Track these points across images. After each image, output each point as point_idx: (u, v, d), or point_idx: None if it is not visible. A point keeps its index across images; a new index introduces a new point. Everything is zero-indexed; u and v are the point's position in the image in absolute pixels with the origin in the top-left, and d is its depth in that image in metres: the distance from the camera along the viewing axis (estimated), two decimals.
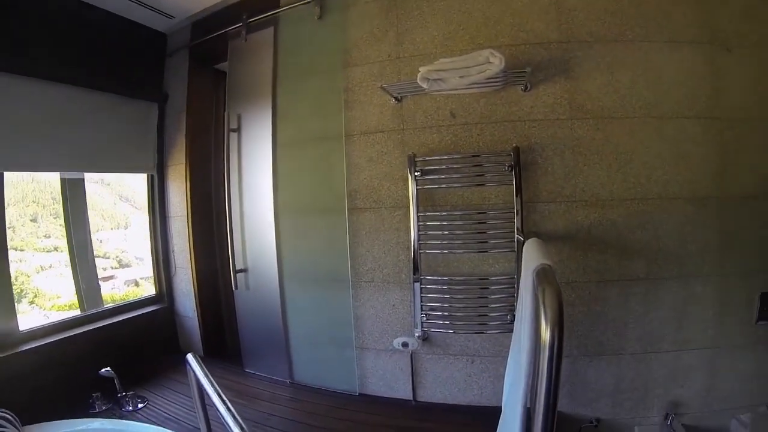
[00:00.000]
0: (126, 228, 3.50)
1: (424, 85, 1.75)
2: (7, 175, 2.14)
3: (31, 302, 2.70)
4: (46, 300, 2.77)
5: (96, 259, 2.73)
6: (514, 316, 1.81)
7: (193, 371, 1.25)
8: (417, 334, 2.03)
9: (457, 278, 1.99)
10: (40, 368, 2.05)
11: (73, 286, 2.57)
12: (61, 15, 2.26)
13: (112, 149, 2.60)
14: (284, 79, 2.33)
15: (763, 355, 1.85)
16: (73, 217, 2.57)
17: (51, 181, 2.70)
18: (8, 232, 2.13)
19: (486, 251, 1.94)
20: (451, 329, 1.99)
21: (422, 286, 2.00)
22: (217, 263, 2.95)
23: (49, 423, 1.80)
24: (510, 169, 1.83)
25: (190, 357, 1.30)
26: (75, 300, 2.60)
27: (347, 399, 2.21)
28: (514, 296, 1.87)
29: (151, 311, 2.78)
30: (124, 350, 2.48)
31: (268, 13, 2.31)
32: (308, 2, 2.21)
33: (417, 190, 1.96)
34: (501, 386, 1.51)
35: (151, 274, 2.97)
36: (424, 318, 2.00)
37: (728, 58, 1.79)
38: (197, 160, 2.81)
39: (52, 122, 2.26)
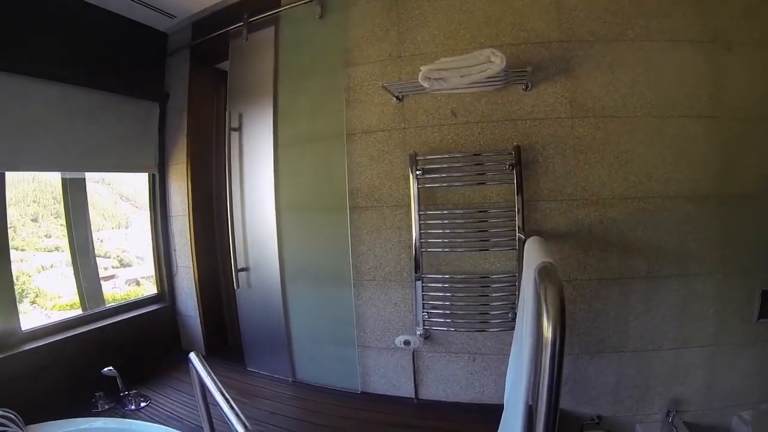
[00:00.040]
0: (127, 227, 3.50)
1: (426, 85, 1.75)
2: (8, 174, 2.14)
3: (33, 302, 2.70)
4: (48, 300, 2.77)
5: (97, 259, 2.73)
6: (515, 314, 1.82)
7: (196, 370, 1.26)
8: (419, 332, 2.03)
9: (459, 276, 1.99)
10: (43, 368, 2.05)
11: (75, 286, 2.57)
12: (62, 14, 2.26)
13: (113, 149, 2.60)
14: (285, 78, 2.34)
15: (764, 352, 1.85)
16: (75, 217, 2.58)
17: (52, 180, 2.71)
18: (9, 232, 2.13)
19: (487, 249, 1.95)
20: (453, 327, 2.00)
21: (424, 284, 2.00)
22: (218, 262, 2.96)
23: (51, 422, 1.80)
24: (511, 167, 1.84)
25: (192, 356, 1.30)
26: (76, 299, 2.60)
27: (349, 397, 2.21)
28: (515, 294, 1.87)
29: (152, 310, 2.79)
30: (127, 349, 2.49)
31: (269, 13, 2.31)
32: (309, 1, 2.21)
33: (418, 188, 1.97)
34: (503, 384, 1.52)
35: (153, 274, 2.98)
36: (426, 316, 2.01)
37: (729, 57, 1.79)
38: (198, 160, 2.81)
39: (54, 122, 2.26)
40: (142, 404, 2.14)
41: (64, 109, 2.30)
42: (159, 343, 2.78)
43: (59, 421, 1.82)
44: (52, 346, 2.13)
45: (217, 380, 1.18)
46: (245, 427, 0.99)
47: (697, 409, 1.88)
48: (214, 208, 2.94)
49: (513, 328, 1.71)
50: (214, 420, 1.31)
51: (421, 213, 1.98)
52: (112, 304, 2.70)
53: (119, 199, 3.52)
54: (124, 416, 2.03)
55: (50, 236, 2.82)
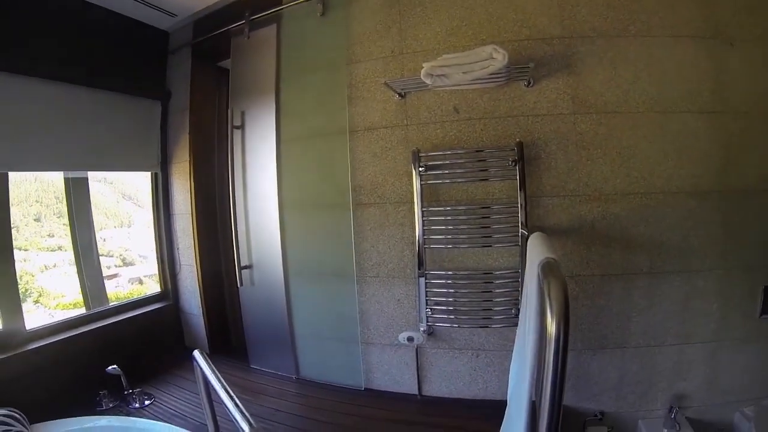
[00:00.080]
0: (129, 226, 3.51)
1: (428, 81, 1.75)
2: (11, 175, 2.14)
3: (36, 301, 2.71)
4: (51, 299, 2.78)
5: (100, 258, 2.74)
6: (518, 310, 1.82)
7: (200, 368, 1.26)
8: (422, 329, 2.04)
9: (462, 273, 2.00)
10: (47, 367, 2.06)
11: (78, 285, 2.58)
12: (62, 14, 2.26)
13: (115, 148, 2.60)
14: (287, 75, 2.34)
15: (767, 348, 1.85)
16: (78, 216, 2.58)
17: (54, 180, 2.71)
18: (12, 232, 2.14)
19: (490, 246, 1.95)
20: (456, 323, 2.00)
21: (427, 280, 2.01)
22: (221, 260, 2.96)
23: (56, 421, 1.81)
24: (514, 163, 1.84)
25: (197, 353, 1.30)
26: (80, 299, 2.61)
27: (353, 394, 2.22)
28: (518, 290, 1.88)
29: (156, 309, 2.79)
30: (130, 348, 2.50)
31: (271, 10, 2.31)
32: None
33: (421, 185, 1.97)
34: (506, 380, 1.52)
35: (156, 272, 2.98)
36: (429, 312, 2.01)
37: (731, 52, 1.79)
38: (201, 158, 2.82)
39: (56, 121, 2.27)
40: (146, 402, 2.14)
41: (65, 108, 2.30)
42: (162, 342, 2.79)
43: (63, 419, 1.84)
44: (56, 345, 2.14)
45: (221, 378, 1.18)
46: (250, 424, 0.99)
47: (700, 404, 1.88)
48: (217, 206, 2.94)
49: (516, 324, 1.71)
50: (218, 418, 1.32)
51: (424, 209, 1.98)
52: (116, 302, 2.71)
53: (121, 197, 3.53)
54: (128, 414, 2.04)
55: (53, 236, 2.83)
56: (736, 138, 1.80)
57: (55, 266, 2.85)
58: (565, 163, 1.86)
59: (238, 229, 2.51)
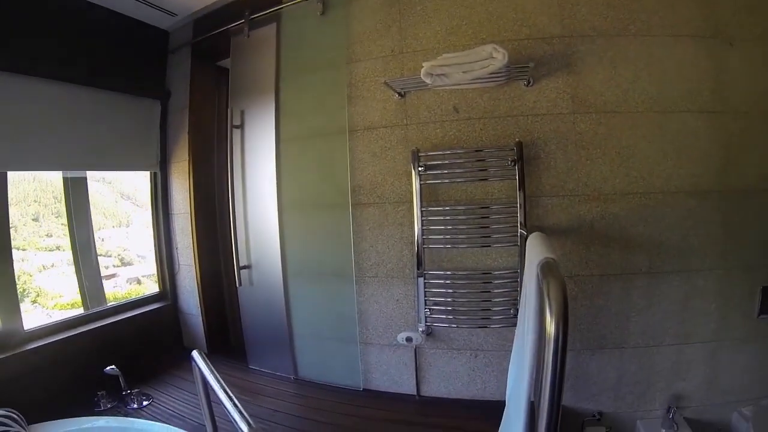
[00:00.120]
0: (128, 226, 3.50)
1: (428, 81, 1.75)
2: (9, 174, 2.14)
3: (34, 301, 2.70)
4: (49, 299, 2.78)
5: (98, 258, 2.73)
6: (517, 310, 1.82)
7: (199, 368, 1.26)
8: (421, 329, 2.03)
9: (461, 273, 2.00)
10: (45, 367, 2.05)
11: (76, 285, 2.57)
12: (62, 13, 2.26)
13: (115, 147, 2.60)
14: (287, 75, 2.33)
15: (765, 348, 1.85)
16: (76, 216, 2.58)
17: (53, 180, 2.71)
18: (10, 232, 2.13)
19: (489, 246, 1.95)
20: (455, 324, 2.00)
21: (426, 280, 2.00)
22: (220, 260, 2.96)
23: (54, 421, 1.81)
24: (513, 163, 1.83)
25: (195, 354, 1.30)
26: (77, 299, 2.61)
27: (351, 394, 2.22)
28: (517, 290, 1.87)
29: (154, 309, 2.79)
30: (129, 348, 2.49)
31: (271, 10, 2.30)
32: None
33: (420, 185, 1.97)
34: (505, 380, 1.52)
35: (154, 272, 2.98)
36: (428, 312, 2.01)
37: (731, 51, 1.79)
38: (200, 157, 2.81)
39: (55, 121, 2.26)
40: (145, 403, 2.14)
41: (65, 108, 2.30)
42: (161, 342, 2.78)
43: (61, 420, 1.83)
44: (55, 345, 2.13)
45: (220, 378, 1.18)
46: (249, 425, 0.99)
47: (698, 404, 1.88)
48: (216, 205, 2.94)
49: (515, 325, 1.71)
50: (216, 418, 1.31)
51: (423, 209, 1.98)
52: (114, 302, 2.70)
53: (120, 197, 3.52)
54: (126, 415, 2.03)
55: (51, 235, 2.82)
56: (736, 138, 1.80)
57: (53, 266, 2.84)
58: (565, 162, 1.86)
59: (237, 229, 2.50)
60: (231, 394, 1.09)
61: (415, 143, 2.02)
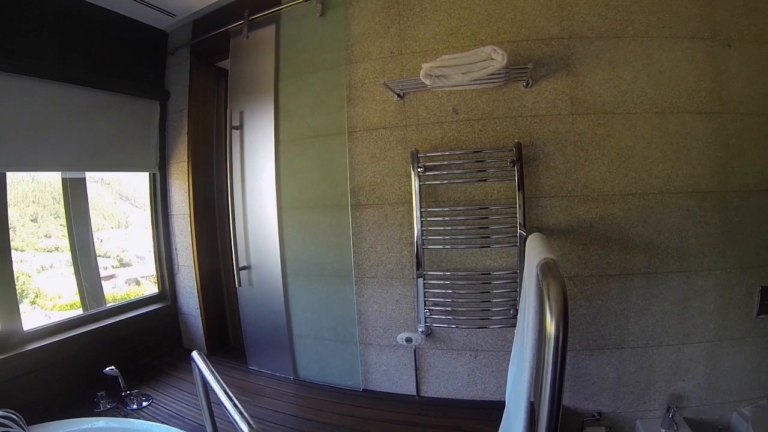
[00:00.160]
0: (126, 227, 3.50)
1: (427, 82, 1.75)
2: (7, 175, 2.14)
3: (33, 302, 2.70)
4: (48, 300, 2.77)
5: (97, 259, 2.73)
6: (516, 310, 1.82)
7: (199, 368, 1.25)
8: (420, 330, 2.04)
9: (460, 273, 2.00)
10: (45, 368, 2.06)
11: (75, 286, 2.57)
12: (62, 14, 2.26)
13: (114, 148, 2.60)
14: (286, 76, 2.34)
15: (764, 348, 1.86)
16: (75, 217, 2.57)
17: (51, 180, 2.70)
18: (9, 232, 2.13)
19: (488, 246, 1.95)
20: (455, 324, 2.00)
21: (425, 281, 2.00)
22: (220, 261, 2.96)
23: (53, 422, 1.81)
24: (512, 164, 1.84)
25: (195, 354, 1.30)
26: (76, 299, 2.61)
27: (351, 395, 2.22)
28: (516, 291, 1.88)
29: (154, 310, 2.79)
30: (128, 349, 2.50)
31: (270, 11, 2.31)
32: None
33: (420, 186, 1.97)
34: (504, 381, 1.52)
35: (153, 273, 2.98)
36: (428, 313, 2.01)
37: (729, 52, 1.79)
38: (199, 158, 2.81)
39: (54, 121, 2.26)
40: (144, 404, 2.14)
41: (64, 108, 2.30)
42: (160, 343, 2.78)
43: (61, 421, 1.83)
44: (54, 346, 2.14)
45: (220, 379, 1.18)
46: (249, 425, 0.98)
47: (698, 404, 1.89)
48: (216, 206, 2.94)
49: (514, 325, 1.71)
50: (216, 419, 1.31)
51: (422, 210, 1.98)
52: (114, 303, 2.70)
53: (119, 198, 3.52)
54: (126, 416, 2.03)
55: (50, 236, 2.82)
56: (734, 138, 1.80)
57: (51, 267, 2.84)
58: (564, 163, 1.87)
59: (236, 230, 2.50)
60: (231, 395, 1.09)
61: (414, 144, 2.02)
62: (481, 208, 1.95)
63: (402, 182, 2.06)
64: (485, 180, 1.94)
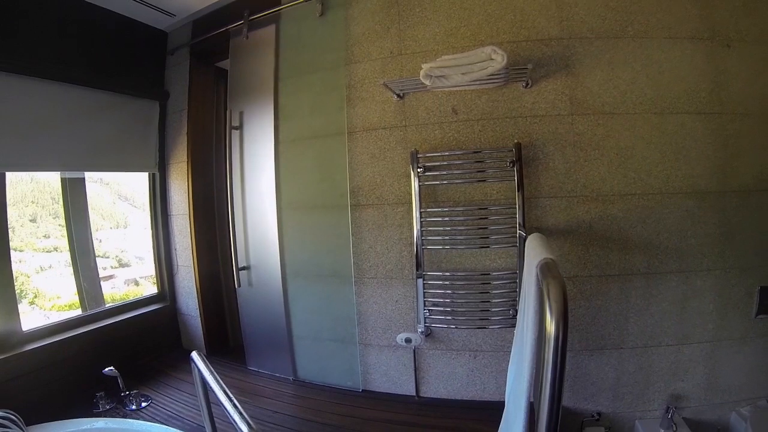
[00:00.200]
0: (125, 227, 3.50)
1: (427, 82, 1.75)
2: (7, 175, 2.13)
3: (31, 303, 2.69)
4: (46, 300, 2.77)
5: (96, 259, 2.73)
6: (516, 310, 1.82)
7: (198, 369, 1.25)
8: (420, 330, 2.04)
9: (460, 274, 2.00)
10: (44, 368, 2.05)
11: (74, 286, 2.57)
12: (61, 13, 2.26)
13: (113, 148, 2.59)
14: (286, 76, 2.34)
15: (763, 348, 1.86)
16: (74, 217, 2.57)
17: (50, 181, 2.70)
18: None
19: (488, 247, 1.95)
20: (454, 324, 2.00)
21: (425, 281, 2.01)
22: (219, 261, 2.96)
23: (52, 423, 1.80)
24: (512, 164, 1.84)
25: (194, 355, 1.30)
26: (75, 300, 2.60)
27: (351, 395, 2.22)
28: (516, 291, 1.88)
29: (153, 310, 2.79)
30: (127, 349, 2.49)
31: (270, 11, 2.31)
32: None
33: (419, 186, 1.97)
34: (503, 381, 1.52)
35: (152, 273, 2.97)
36: (427, 313, 2.01)
37: (728, 53, 1.80)
38: (199, 158, 2.81)
39: (54, 121, 2.26)
40: (143, 404, 2.13)
41: (64, 108, 2.30)
42: (160, 343, 2.78)
43: (60, 421, 1.83)
44: (53, 346, 2.13)
45: (219, 379, 1.18)
46: (249, 426, 0.98)
47: (697, 404, 1.89)
48: (215, 206, 2.94)
49: (514, 325, 1.71)
50: (215, 419, 1.31)
51: (422, 210, 1.98)
52: (113, 303, 2.70)
53: (117, 198, 3.51)
54: (125, 416, 2.03)
55: (48, 237, 2.82)
56: (734, 139, 1.81)
57: (50, 267, 2.83)
58: (563, 164, 1.87)
59: (235, 230, 2.50)
60: (231, 395, 1.09)
61: (414, 144, 2.02)
62: (480, 209, 1.95)
63: (401, 182, 2.06)
64: (485, 180, 1.94)
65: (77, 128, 2.37)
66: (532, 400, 0.92)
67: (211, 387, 1.17)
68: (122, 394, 2.13)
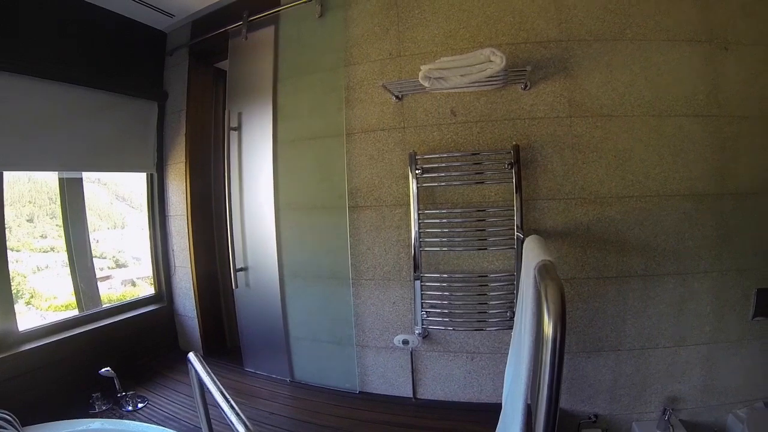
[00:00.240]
0: (123, 228, 3.49)
1: (426, 84, 1.75)
2: (4, 175, 2.13)
3: (28, 303, 2.68)
4: (43, 301, 2.76)
5: (93, 259, 2.72)
6: (513, 312, 1.82)
7: (195, 370, 1.25)
8: (417, 332, 2.03)
9: (457, 276, 2.00)
10: (40, 368, 2.04)
11: (71, 286, 2.56)
12: (60, 13, 2.25)
13: (112, 148, 2.59)
14: (285, 77, 2.33)
15: (760, 350, 1.87)
16: (72, 217, 2.56)
17: (48, 180, 2.69)
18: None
19: (486, 249, 1.95)
20: (451, 326, 2.00)
21: (422, 283, 2.00)
22: (216, 262, 2.95)
23: (48, 423, 1.79)
24: (510, 166, 1.84)
25: (191, 356, 1.29)
26: (72, 300, 2.59)
27: (348, 397, 2.21)
28: (513, 293, 1.88)
29: (150, 311, 2.78)
30: (124, 350, 2.48)
31: (269, 12, 2.31)
32: (309, 1, 2.20)
33: (417, 188, 1.97)
34: (501, 383, 1.52)
35: (150, 274, 2.97)
36: (425, 315, 2.01)
37: (726, 56, 1.80)
38: (197, 159, 2.80)
39: (53, 121, 2.25)
40: (140, 405, 2.12)
41: (63, 108, 2.29)
42: (157, 344, 2.77)
43: (56, 422, 1.82)
44: (49, 347, 2.12)
45: (216, 380, 1.17)
46: (246, 427, 0.98)
47: (693, 406, 1.90)
48: (213, 207, 2.93)
49: (511, 327, 1.71)
50: (212, 421, 1.31)
51: (420, 212, 1.98)
52: (110, 304, 2.69)
53: (115, 199, 3.51)
54: (121, 417, 2.02)
55: (45, 237, 2.81)
56: (731, 141, 1.81)
57: (47, 267, 2.82)
58: (561, 166, 1.87)
59: (233, 231, 2.50)
60: (228, 397, 1.08)
61: (412, 146, 2.02)
62: (478, 210, 1.95)
63: (400, 184, 2.06)
64: (483, 182, 1.94)
65: (75, 128, 2.36)
66: (529, 402, 0.92)
67: (208, 388, 1.17)
68: (119, 395, 2.12)
